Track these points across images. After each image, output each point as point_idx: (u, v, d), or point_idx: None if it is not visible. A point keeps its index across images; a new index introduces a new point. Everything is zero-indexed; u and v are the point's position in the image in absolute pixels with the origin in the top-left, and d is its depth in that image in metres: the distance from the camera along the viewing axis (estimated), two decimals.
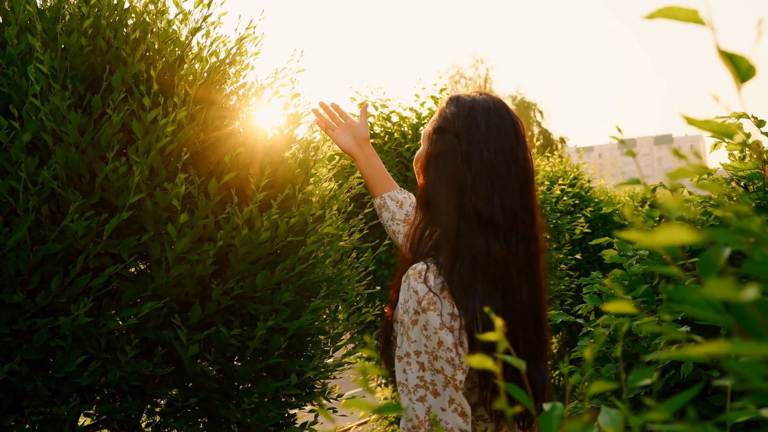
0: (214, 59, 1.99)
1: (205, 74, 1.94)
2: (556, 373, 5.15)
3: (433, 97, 4.54)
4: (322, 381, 2.12)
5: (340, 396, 2.14)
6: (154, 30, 1.92)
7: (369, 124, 3.84)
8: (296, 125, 2.07)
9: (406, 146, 4.27)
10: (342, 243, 2.23)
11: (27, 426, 1.66)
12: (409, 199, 1.57)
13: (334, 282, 2.13)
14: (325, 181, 2.27)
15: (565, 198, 5.46)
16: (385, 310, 1.24)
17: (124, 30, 1.85)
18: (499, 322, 0.52)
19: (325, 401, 2.11)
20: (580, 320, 1.62)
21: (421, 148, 1.27)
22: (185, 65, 1.93)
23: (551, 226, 4.96)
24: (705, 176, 1.54)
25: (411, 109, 4.51)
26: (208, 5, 1.94)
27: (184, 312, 1.77)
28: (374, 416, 5.06)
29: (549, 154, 6.61)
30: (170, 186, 1.69)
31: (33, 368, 1.63)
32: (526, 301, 1.14)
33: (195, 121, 1.84)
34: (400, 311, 1.10)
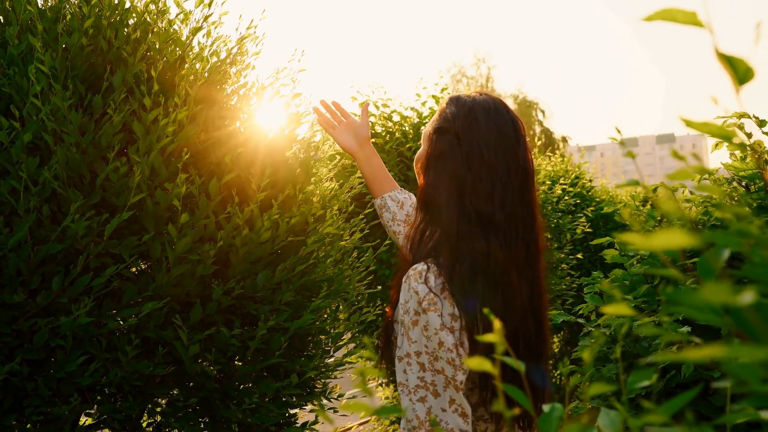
0: (215, 59, 1.99)
1: (206, 74, 1.94)
2: (557, 373, 5.15)
3: (434, 96, 4.53)
4: (322, 381, 2.12)
5: (341, 396, 2.14)
6: (155, 30, 1.92)
7: (370, 123, 3.83)
8: (297, 125, 2.07)
9: (408, 146, 4.26)
10: (343, 243, 2.23)
11: (28, 426, 1.66)
12: (409, 199, 1.57)
13: (335, 282, 2.13)
14: (326, 180, 2.27)
15: (566, 197, 5.46)
16: (386, 310, 1.24)
17: (125, 30, 1.85)
18: (498, 323, 0.52)
19: (325, 401, 2.11)
20: (581, 320, 1.62)
21: (421, 149, 1.27)
22: (186, 65, 1.92)
23: (552, 225, 4.96)
24: (705, 177, 1.53)
25: (412, 109, 4.50)
26: (209, 5, 1.94)
27: (185, 312, 1.77)
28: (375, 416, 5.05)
29: (550, 154, 6.61)
30: (171, 186, 1.69)
31: (34, 368, 1.63)
32: (527, 301, 1.14)
33: (196, 121, 1.85)
34: (400, 312, 1.10)
